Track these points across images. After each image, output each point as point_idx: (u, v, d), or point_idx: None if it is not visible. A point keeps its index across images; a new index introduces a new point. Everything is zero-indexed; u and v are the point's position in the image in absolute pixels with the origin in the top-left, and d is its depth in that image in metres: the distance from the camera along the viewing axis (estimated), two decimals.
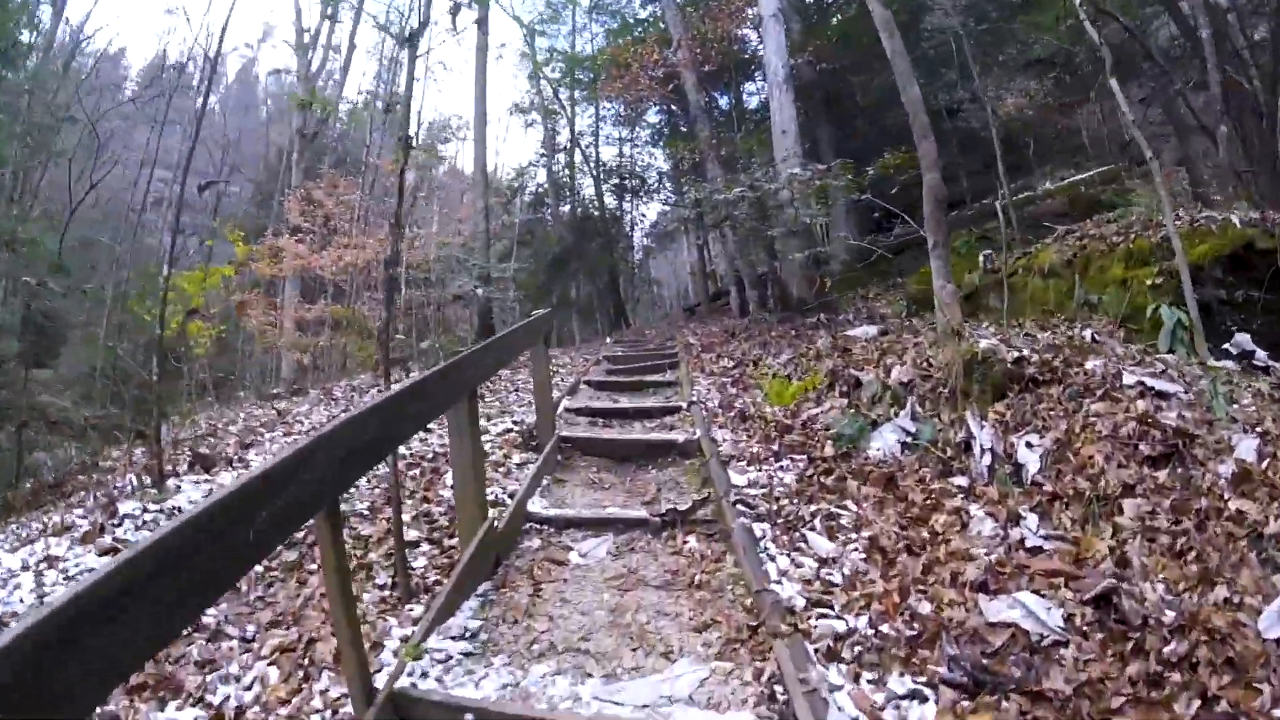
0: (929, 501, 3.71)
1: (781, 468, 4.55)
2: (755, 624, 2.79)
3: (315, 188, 20.78)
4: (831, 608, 2.84)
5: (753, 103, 21.06)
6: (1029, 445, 3.81)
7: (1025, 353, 4.41)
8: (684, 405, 6.61)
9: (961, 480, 3.85)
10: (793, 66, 12.24)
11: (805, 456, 4.65)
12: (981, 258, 8.44)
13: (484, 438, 6.26)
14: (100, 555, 4.71)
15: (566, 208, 26.61)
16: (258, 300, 19.24)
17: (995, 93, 13.32)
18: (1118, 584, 2.88)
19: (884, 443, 4.38)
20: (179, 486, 5.62)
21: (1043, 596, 2.88)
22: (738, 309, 14.13)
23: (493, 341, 4.08)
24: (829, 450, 4.59)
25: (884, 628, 2.72)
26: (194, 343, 9.21)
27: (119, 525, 5.11)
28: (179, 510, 5.23)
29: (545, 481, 4.87)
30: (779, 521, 3.68)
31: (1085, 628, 2.74)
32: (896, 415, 4.58)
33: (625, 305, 25.98)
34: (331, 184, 20.44)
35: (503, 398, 8.35)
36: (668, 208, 27.89)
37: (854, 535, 3.49)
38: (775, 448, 4.89)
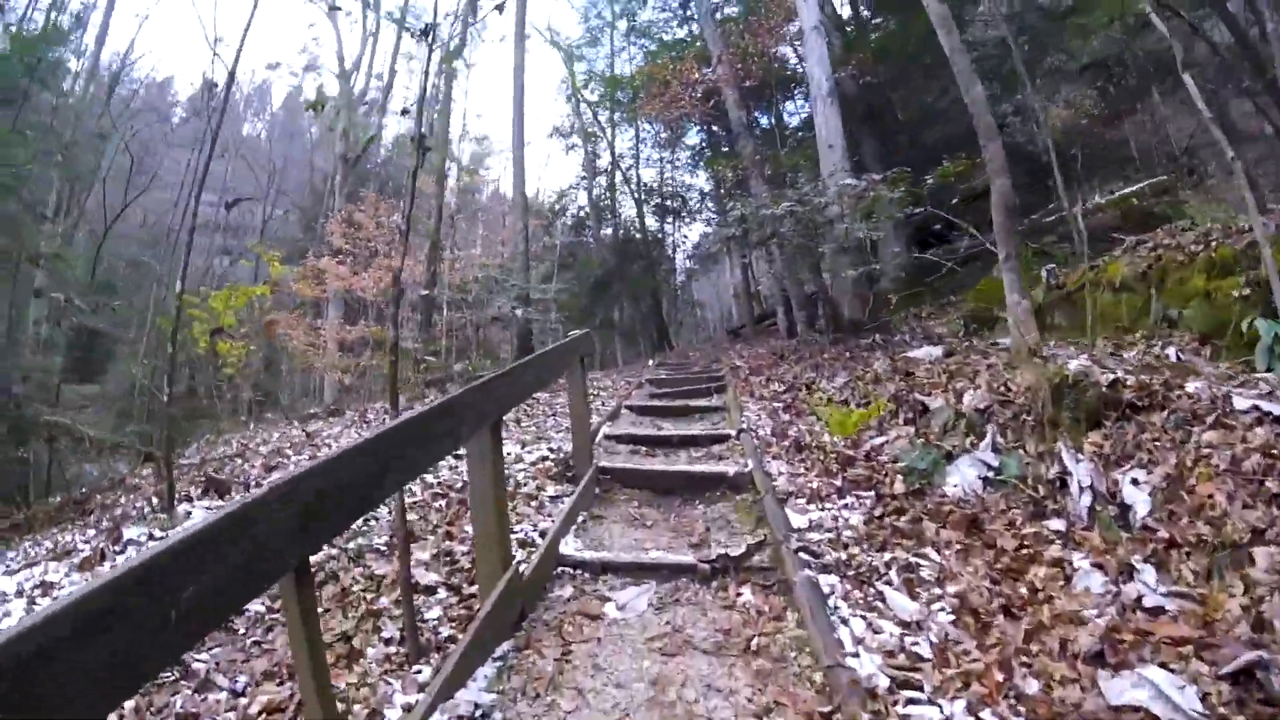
0: (1023, 550, 3.18)
1: (846, 506, 4.05)
2: (829, 710, 2.29)
3: (357, 210, 20.94)
4: (921, 689, 2.34)
5: (794, 121, 20.74)
6: (1135, 483, 3.27)
7: (1119, 374, 3.86)
8: (733, 433, 6.14)
9: (1057, 524, 3.31)
10: (835, 80, 11.79)
11: (872, 493, 4.14)
12: (1044, 273, 7.92)
13: (518, 466, 5.87)
14: None
15: (608, 230, 26.40)
16: (297, 321, 19.33)
17: (1041, 104, 12.74)
18: (1260, 655, 2.36)
19: (962, 478, 3.86)
20: (189, 512, 5.33)
21: (1172, 671, 2.36)
22: (785, 330, 13.65)
23: (522, 364, 3.66)
24: (899, 486, 4.08)
25: (986, 715, 2.22)
26: (223, 361, 9.01)
27: (121, 552, 4.83)
28: None
29: (581, 518, 4.42)
30: (849, 574, 3.18)
31: (1224, 709, 2.23)
32: (974, 447, 4.06)
33: (668, 328, 25.58)
34: (373, 206, 20.55)
35: (540, 423, 7.96)
36: (710, 229, 27.56)
37: (938, 591, 2.98)
38: (838, 483, 4.39)
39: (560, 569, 3.71)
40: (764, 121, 19.83)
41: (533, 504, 4.83)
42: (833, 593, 3.01)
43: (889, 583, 3.07)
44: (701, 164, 23.91)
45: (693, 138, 24.31)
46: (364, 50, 27.30)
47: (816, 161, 11.68)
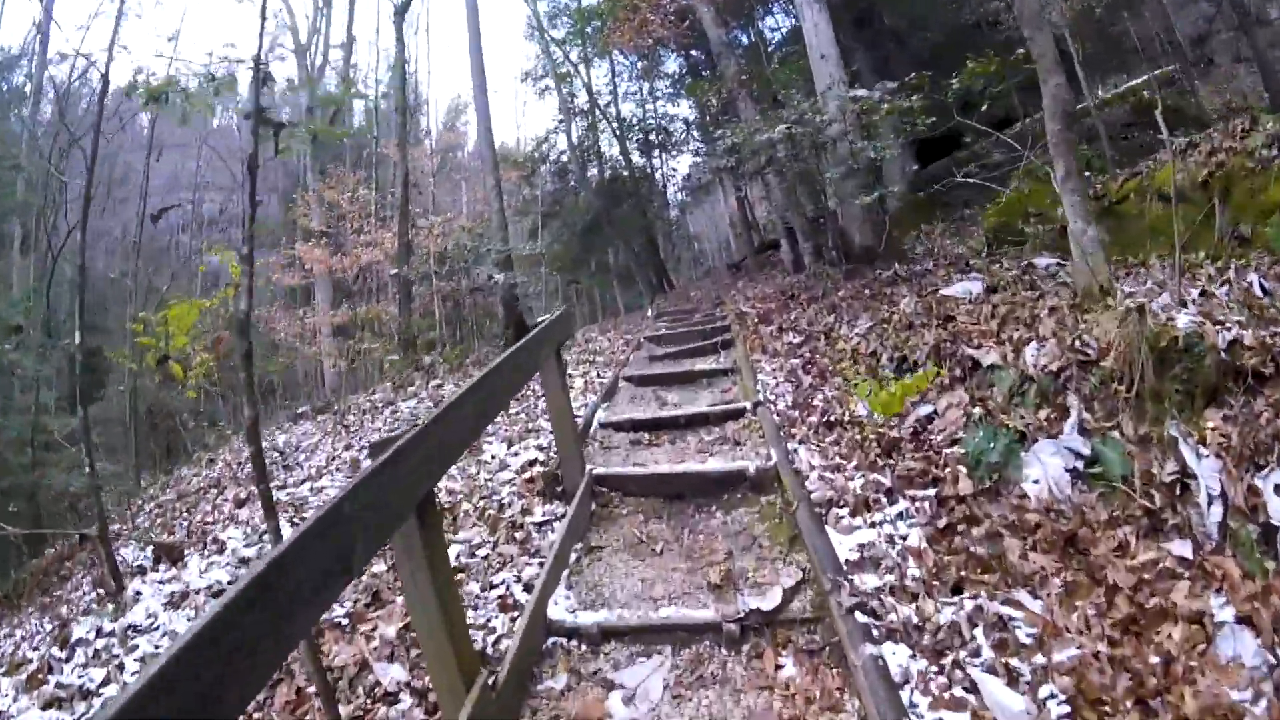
0: (1143, 588, 2.37)
1: (901, 516, 3.24)
2: None
3: (326, 188, 20.18)
4: None
5: (776, 37, 19.49)
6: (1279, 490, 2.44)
7: (1235, 332, 2.98)
8: (748, 405, 5.34)
9: (1182, 547, 2.48)
10: None
11: (932, 493, 3.31)
12: None
13: (502, 476, 5.12)
14: (43, 709, 3.78)
15: (594, 173, 25.20)
16: (283, 312, 18.80)
17: None
18: None
19: (1044, 472, 3.03)
20: (139, 594, 4.61)
21: None
22: (791, 263, 12.64)
23: (459, 399, 2.78)
24: (965, 484, 3.25)
25: None
26: (181, 385, 8.25)
27: (68, 660, 4.15)
28: (134, 630, 4.22)
29: (574, 555, 3.65)
30: (923, 643, 2.40)
31: None
32: (1053, 424, 3.23)
33: (665, 266, 24.58)
34: (340, 181, 19.79)
35: (530, 408, 7.16)
36: (699, 159, 26.35)
37: (1042, 661, 2.20)
38: (885, 480, 3.56)
39: (551, 641, 2.96)
40: (744, 39, 18.53)
41: (516, 537, 4.06)
42: (906, 681, 2.23)
43: (977, 654, 2.29)
44: (682, 92, 22.58)
45: (671, 65, 22.99)
46: (317, 19, 26.07)
47: (807, 77, 10.59)
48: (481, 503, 4.56)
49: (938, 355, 4.58)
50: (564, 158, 25.11)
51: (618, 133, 24.38)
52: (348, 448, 7.50)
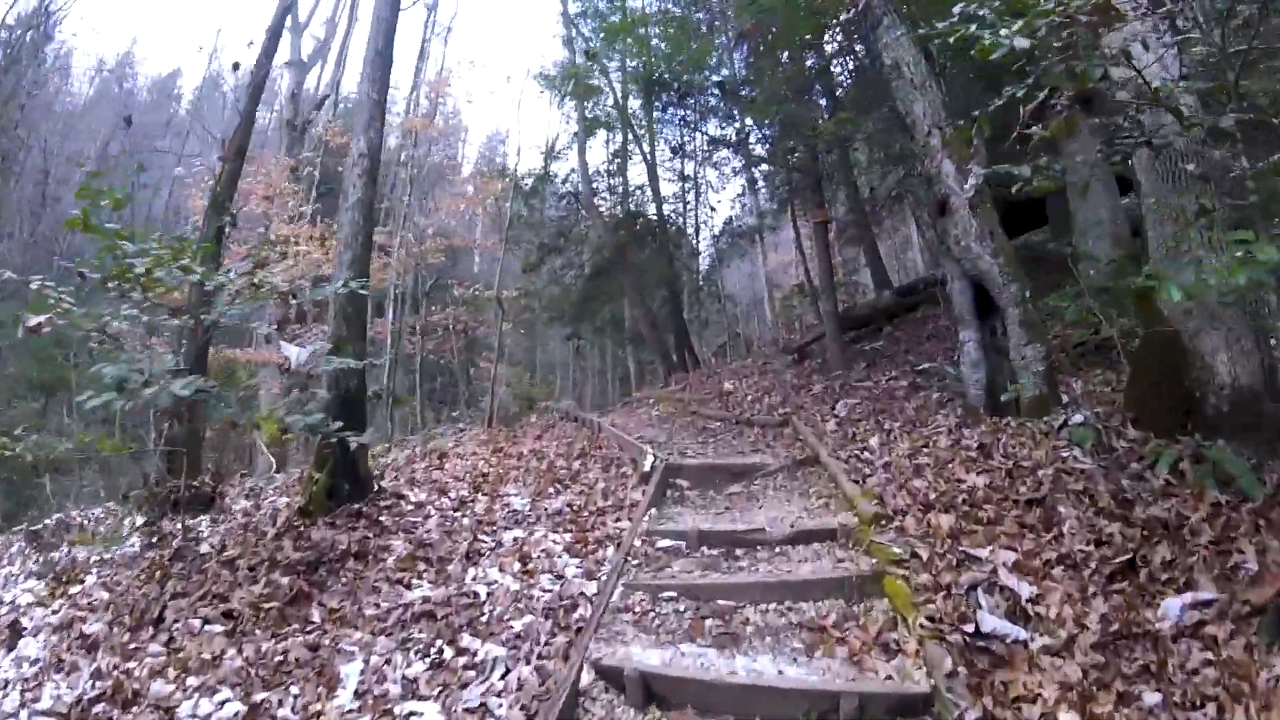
0: None
1: None
2: None
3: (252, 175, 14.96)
4: None
5: None
6: None
7: None
8: None
9: None
10: None
11: None
12: None
13: None
14: None
15: (609, 204, 19.91)
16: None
17: None
18: None
19: None
20: None
21: None
22: (982, 392, 5.76)
23: None
24: None
25: None
26: None
27: None
28: None
29: None
30: None
31: None
32: None
33: (689, 335, 18.68)
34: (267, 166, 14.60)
35: None
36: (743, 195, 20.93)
37: None
38: None
39: None
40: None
41: None
42: None
43: None
44: (738, 109, 16.84)
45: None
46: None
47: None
48: None
49: None
50: (574, 178, 19.56)
51: (648, 156, 18.89)
52: None
